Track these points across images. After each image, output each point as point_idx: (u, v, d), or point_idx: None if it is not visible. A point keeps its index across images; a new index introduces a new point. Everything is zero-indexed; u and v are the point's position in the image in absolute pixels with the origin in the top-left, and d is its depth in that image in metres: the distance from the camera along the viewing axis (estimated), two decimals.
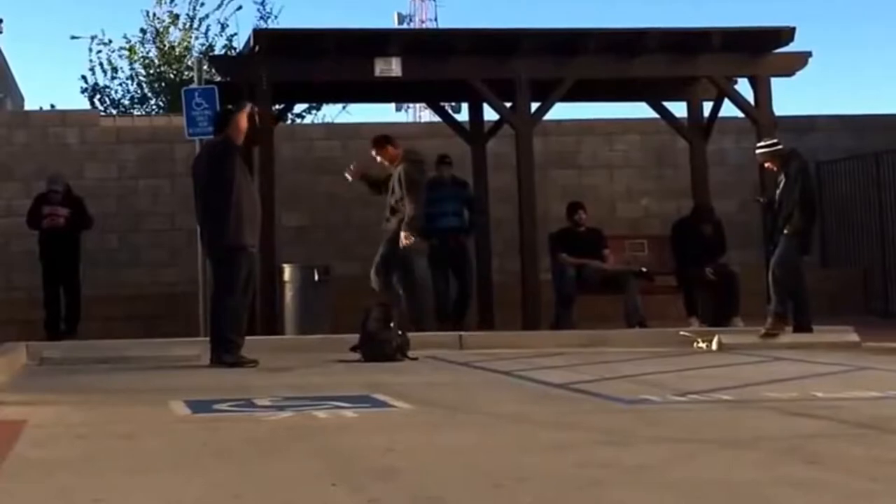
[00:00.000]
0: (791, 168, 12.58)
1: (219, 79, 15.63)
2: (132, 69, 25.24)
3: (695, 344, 12.34)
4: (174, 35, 25.28)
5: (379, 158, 13.83)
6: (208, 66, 16.49)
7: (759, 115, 14.70)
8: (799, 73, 14.86)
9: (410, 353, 11.24)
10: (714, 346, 12.22)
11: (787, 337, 12.36)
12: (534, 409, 7.30)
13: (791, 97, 65.44)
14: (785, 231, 12.38)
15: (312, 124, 23.19)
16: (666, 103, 16.28)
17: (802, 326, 12.55)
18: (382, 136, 13.94)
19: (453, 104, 19.96)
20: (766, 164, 13.02)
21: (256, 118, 11.52)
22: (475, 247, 15.55)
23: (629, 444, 5.74)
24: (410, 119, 49.68)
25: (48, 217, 14.75)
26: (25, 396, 8.33)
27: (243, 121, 10.83)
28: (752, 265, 14.57)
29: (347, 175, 13.80)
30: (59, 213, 14.76)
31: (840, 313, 15.13)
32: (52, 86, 75.06)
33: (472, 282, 14.81)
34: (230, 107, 11.50)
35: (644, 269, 14.50)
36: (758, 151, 13.05)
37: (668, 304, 14.61)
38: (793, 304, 12.50)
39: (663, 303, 14.71)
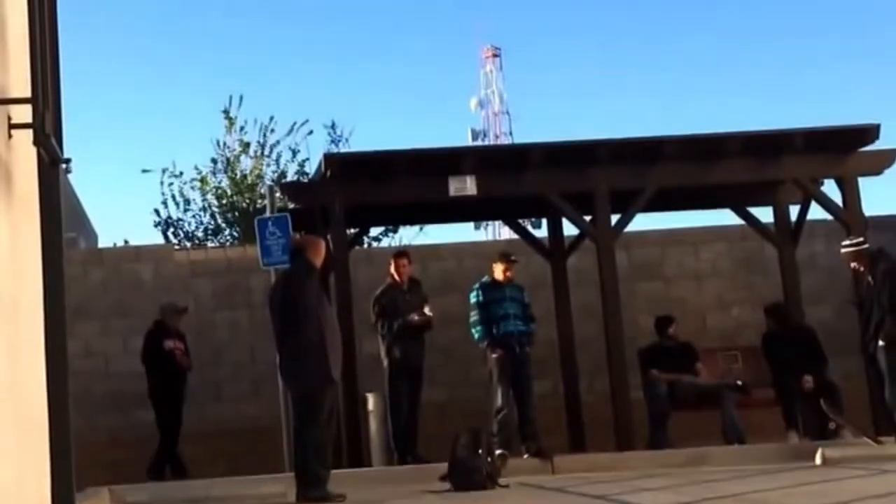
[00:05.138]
0: (878, 270, 12.20)
1: (292, 206, 15.49)
2: (205, 200, 25.29)
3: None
4: (245, 163, 25.34)
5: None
6: (281, 194, 16.39)
7: (849, 217, 14.27)
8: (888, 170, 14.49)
9: (501, 481, 10.86)
10: (818, 460, 11.69)
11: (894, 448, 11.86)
12: None
13: (882, 194, 64.52)
14: (880, 343, 11.95)
15: (389, 247, 23.00)
16: (751, 209, 15.88)
17: None
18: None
19: (533, 220, 19.68)
20: (853, 264, 12.62)
21: (330, 245, 11.31)
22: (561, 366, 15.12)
23: None
24: (490, 237, 49.53)
25: (174, 352, 14.47)
26: None
27: (322, 246, 10.64)
28: (852, 374, 13.99)
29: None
30: (179, 346, 14.55)
31: None
32: (125, 220, 75.84)
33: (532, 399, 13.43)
34: (302, 233, 11.30)
35: (740, 382, 14.02)
36: (842, 250, 12.72)
37: (766, 418, 14.06)
38: None
39: (762, 416, 14.16)
